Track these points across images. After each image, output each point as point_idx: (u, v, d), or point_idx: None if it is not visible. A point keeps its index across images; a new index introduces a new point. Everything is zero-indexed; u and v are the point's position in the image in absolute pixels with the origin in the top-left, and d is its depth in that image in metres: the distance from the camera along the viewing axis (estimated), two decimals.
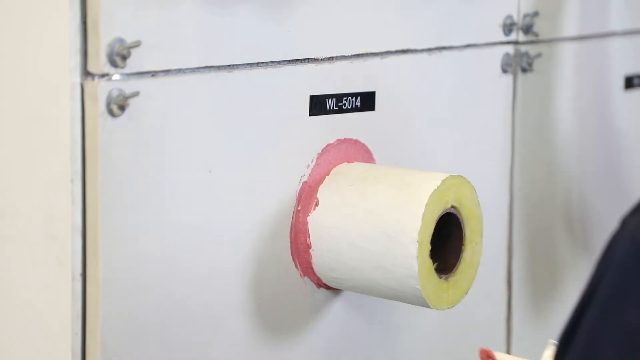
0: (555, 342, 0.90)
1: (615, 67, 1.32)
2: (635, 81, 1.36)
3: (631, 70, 1.35)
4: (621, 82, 1.34)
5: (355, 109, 1.03)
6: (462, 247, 1.00)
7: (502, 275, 1.22)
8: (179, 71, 0.90)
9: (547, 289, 1.28)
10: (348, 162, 1.03)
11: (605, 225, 1.35)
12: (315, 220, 1.00)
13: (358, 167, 1.02)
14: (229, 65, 0.93)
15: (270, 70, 0.96)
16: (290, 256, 1.00)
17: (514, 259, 1.22)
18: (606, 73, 1.32)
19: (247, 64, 0.95)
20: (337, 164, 1.02)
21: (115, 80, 0.86)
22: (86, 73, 0.85)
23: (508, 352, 1.23)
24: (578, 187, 1.30)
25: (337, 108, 1.02)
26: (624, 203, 1.38)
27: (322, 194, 1.00)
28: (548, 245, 1.28)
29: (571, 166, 1.29)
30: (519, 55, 1.19)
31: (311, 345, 1.02)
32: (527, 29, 1.19)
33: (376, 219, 0.96)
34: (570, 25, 1.25)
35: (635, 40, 1.35)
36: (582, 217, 1.31)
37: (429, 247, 0.96)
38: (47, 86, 0.86)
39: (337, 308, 1.04)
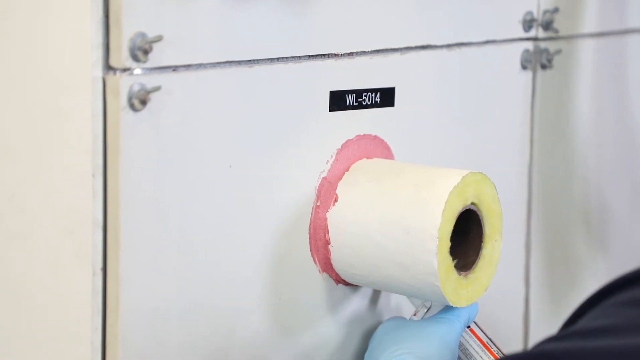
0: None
1: (634, 64, 1.32)
2: None
3: None
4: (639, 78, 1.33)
5: (374, 105, 1.03)
6: (482, 244, 1.00)
7: (520, 272, 1.22)
8: (200, 66, 0.90)
9: (564, 286, 1.27)
10: (367, 158, 1.03)
11: (623, 223, 1.34)
12: (335, 216, 0.99)
13: (377, 163, 1.02)
14: (249, 61, 0.93)
15: (290, 65, 0.96)
16: (310, 252, 0.99)
17: (532, 256, 1.22)
18: (625, 70, 1.31)
19: (268, 59, 0.95)
20: (357, 160, 1.02)
21: (137, 74, 0.86)
22: (108, 67, 0.85)
23: (525, 349, 1.23)
24: (596, 185, 1.29)
25: (356, 104, 1.02)
26: None
27: (341, 190, 1.00)
28: (566, 243, 1.27)
29: (589, 163, 1.28)
30: (538, 51, 1.19)
31: (330, 341, 1.02)
32: (547, 25, 1.19)
33: (396, 215, 0.96)
34: (589, 22, 1.24)
35: None
36: (600, 215, 1.31)
37: (449, 244, 0.95)
38: (69, 80, 0.86)
39: (356, 304, 1.04)
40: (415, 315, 1.00)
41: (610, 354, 0.71)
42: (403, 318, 1.01)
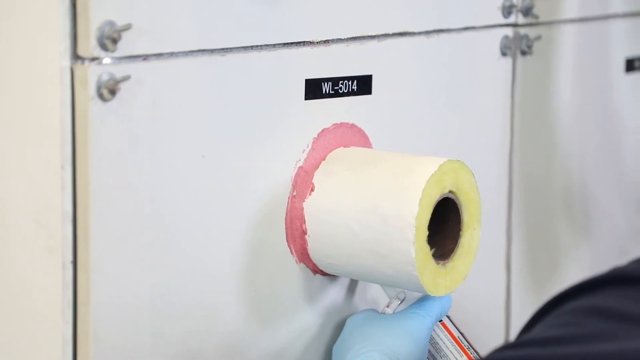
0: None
1: (616, 50, 1.31)
2: (636, 64, 1.34)
3: (632, 52, 1.33)
4: (622, 65, 1.32)
5: (351, 93, 1.02)
6: (460, 233, 0.99)
7: (501, 260, 1.21)
8: (171, 55, 0.89)
9: (546, 274, 1.27)
10: (344, 146, 1.02)
11: (605, 210, 1.34)
12: (311, 205, 0.98)
13: (354, 151, 1.01)
14: (222, 49, 0.92)
15: (264, 53, 0.95)
16: (286, 242, 0.99)
17: (513, 244, 1.21)
18: (607, 55, 1.30)
19: (241, 48, 0.93)
20: (333, 149, 1.01)
21: (106, 64, 0.84)
22: (76, 57, 0.84)
23: (507, 338, 1.22)
24: (578, 171, 1.29)
25: (333, 92, 1.01)
26: (625, 187, 1.36)
27: (318, 179, 0.99)
28: (548, 230, 1.26)
29: (571, 150, 1.27)
30: (518, 37, 1.18)
31: (307, 332, 1.01)
32: (527, 11, 1.18)
33: (373, 204, 0.95)
34: (570, 7, 1.23)
35: (637, 22, 1.33)
36: (582, 201, 1.30)
37: (426, 233, 0.94)
38: (36, 70, 0.85)
39: (334, 294, 1.03)
40: (388, 306, 0.99)
41: None
42: (374, 311, 1.00)
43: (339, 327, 1.02)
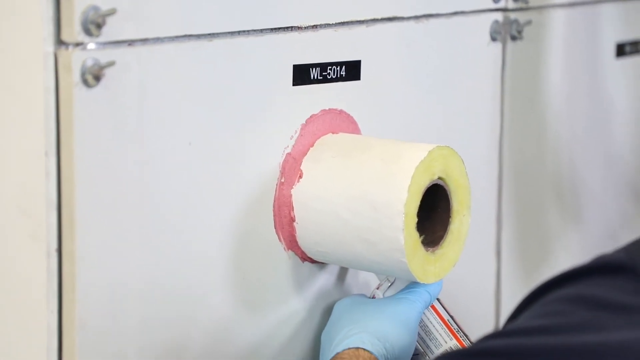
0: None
1: (606, 34, 1.30)
2: (627, 48, 1.34)
3: (622, 37, 1.33)
4: (612, 50, 1.32)
5: (340, 79, 1.01)
6: (450, 220, 0.98)
7: (492, 246, 1.20)
8: (157, 40, 0.87)
9: (536, 260, 1.26)
10: (333, 133, 1.01)
11: (595, 196, 1.33)
12: (300, 192, 0.97)
13: (343, 138, 1.00)
14: (209, 34, 0.91)
15: (252, 39, 0.94)
16: (274, 230, 0.98)
17: (504, 230, 1.21)
18: (597, 40, 1.29)
19: (228, 33, 0.92)
20: (322, 135, 1.00)
21: (90, 49, 0.83)
22: (59, 42, 0.83)
23: (497, 324, 1.22)
24: (568, 156, 1.28)
25: (321, 77, 1.00)
26: (615, 172, 1.36)
27: (306, 166, 0.98)
28: (538, 216, 1.26)
29: (561, 135, 1.27)
30: (508, 22, 1.17)
31: (296, 320, 1.00)
32: None
33: (361, 191, 0.94)
34: None
35: (627, 6, 1.32)
36: (572, 187, 1.30)
37: (416, 220, 0.94)
38: (19, 56, 0.84)
39: (322, 282, 1.02)
40: (378, 288, 0.99)
41: (552, 353, 0.70)
42: (362, 296, 1.00)
43: (327, 314, 1.02)
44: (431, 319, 0.98)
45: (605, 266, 0.73)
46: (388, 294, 0.99)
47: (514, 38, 1.18)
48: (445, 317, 0.98)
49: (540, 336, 0.71)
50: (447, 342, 0.97)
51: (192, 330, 0.93)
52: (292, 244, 0.99)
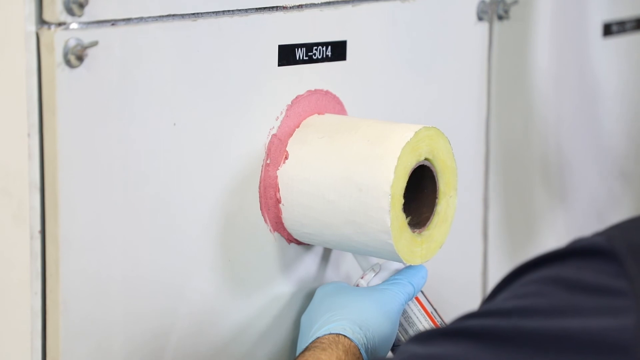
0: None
1: (593, 14, 1.30)
2: (614, 28, 1.33)
3: (609, 17, 1.32)
4: (599, 29, 1.31)
5: (325, 59, 1.00)
6: (436, 201, 0.97)
7: (478, 228, 1.20)
8: (141, 20, 0.87)
9: (523, 241, 1.26)
10: (319, 113, 1.00)
11: (582, 177, 1.33)
12: (285, 174, 0.97)
13: (329, 119, 0.99)
14: (193, 14, 0.90)
15: (236, 18, 0.93)
16: (260, 211, 0.97)
17: (490, 211, 1.20)
18: (584, 20, 1.29)
19: (213, 12, 0.91)
20: (308, 116, 0.99)
21: (73, 29, 0.82)
22: (41, 22, 0.82)
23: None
24: (555, 137, 1.28)
25: (307, 58, 0.99)
26: (602, 152, 1.36)
27: (291, 147, 0.97)
28: (525, 197, 1.26)
29: (549, 116, 1.26)
30: (495, 2, 1.16)
31: (282, 302, 1.00)
32: None
33: (347, 172, 0.94)
34: None
35: None
36: (559, 168, 1.29)
37: (402, 201, 0.93)
38: (0, 36, 0.83)
39: (308, 264, 1.02)
40: (362, 278, 0.98)
41: (529, 336, 0.69)
42: (344, 283, 0.99)
43: (312, 296, 1.01)
44: (415, 310, 0.97)
45: (584, 249, 0.72)
46: (372, 284, 0.98)
47: (500, 18, 1.17)
48: (429, 309, 0.97)
49: (517, 318, 0.70)
50: None
51: (178, 312, 0.92)
52: (278, 225, 0.98)
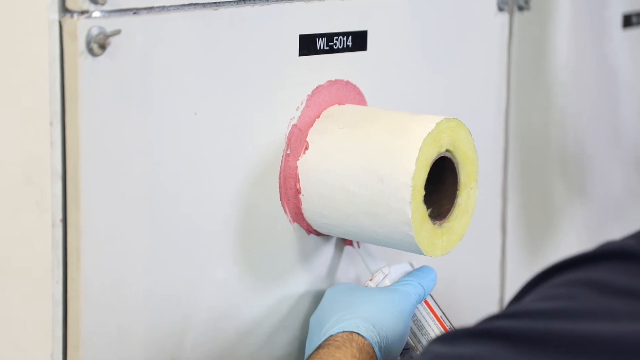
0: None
1: (613, 5, 1.29)
2: (634, 19, 1.32)
3: (629, 8, 1.31)
4: (619, 20, 1.30)
5: (346, 49, 1.00)
6: (457, 192, 0.97)
7: (497, 220, 1.19)
8: (163, 9, 0.86)
9: (542, 233, 1.26)
10: (339, 104, 1.00)
11: (601, 169, 1.32)
12: (305, 164, 0.96)
13: (349, 109, 0.99)
14: (214, 3, 0.90)
15: (258, 8, 0.93)
16: (280, 202, 0.97)
17: (509, 203, 1.20)
18: (604, 11, 1.28)
19: (234, 2, 0.91)
20: (328, 106, 0.99)
21: (96, 17, 0.82)
22: (64, 10, 0.81)
23: (502, 298, 1.21)
24: (574, 128, 1.27)
25: (327, 48, 0.98)
26: (622, 145, 1.35)
27: (312, 137, 0.97)
28: (544, 189, 1.25)
29: (568, 107, 1.26)
30: None
31: (300, 293, 1.00)
32: None
33: (368, 163, 0.93)
34: None
35: None
36: (578, 160, 1.29)
37: (423, 192, 0.93)
38: (23, 24, 0.82)
39: (328, 255, 1.01)
40: (371, 280, 0.98)
41: (562, 339, 0.68)
42: (354, 284, 0.98)
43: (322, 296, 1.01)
44: (424, 314, 0.96)
45: (617, 252, 0.71)
46: (381, 286, 0.97)
47: (521, 8, 1.17)
48: (439, 313, 0.97)
49: (548, 320, 0.69)
50: None
51: (198, 303, 0.92)
52: (297, 216, 0.98)
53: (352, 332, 0.89)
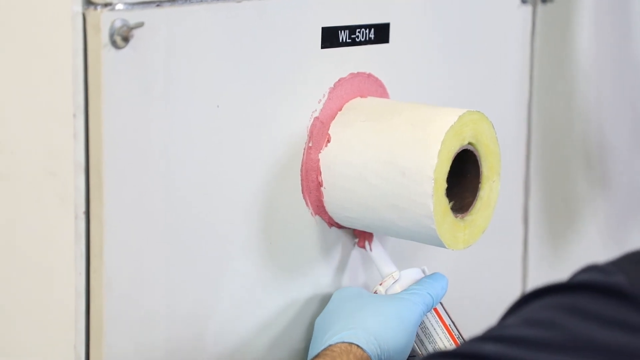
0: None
1: None
2: None
3: None
4: None
5: (368, 42, 1.00)
6: (479, 185, 0.97)
7: (519, 213, 1.19)
8: (186, 1, 0.86)
9: (564, 226, 1.25)
10: (361, 96, 1.00)
11: (624, 161, 1.32)
12: (327, 157, 0.96)
13: (372, 102, 0.99)
14: None
15: (280, 0, 0.93)
16: (301, 194, 0.97)
17: (531, 196, 1.19)
18: (627, 2, 1.27)
19: None
20: (350, 99, 0.99)
21: (119, 10, 0.82)
22: (88, 2, 0.82)
23: (524, 292, 1.21)
24: (597, 122, 1.27)
25: (350, 40, 0.98)
26: None
27: (334, 130, 0.97)
28: (566, 182, 1.25)
29: (590, 100, 1.25)
30: None
31: (322, 286, 1.00)
32: None
33: (390, 156, 0.93)
34: None
35: None
36: (600, 152, 1.28)
37: (445, 186, 0.93)
38: (47, 16, 0.83)
39: (349, 248, 1.01)
40: (381, 285, 0.97)
41: None
42: (362, 289, 0.98)
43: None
44: (432, 321, 0.96)
45: (604, 287, 0.69)
46: (391, 291, 0.97)
47: (544, 1, 1.16)
48: (447, 321, 0.96)
49: (535, 350, 0.67)
50: (447, 347, 0.95)
51: (220, 294, 0.92)
52: (319, 209, 0.98)
53: (351, 344, 0.88)
